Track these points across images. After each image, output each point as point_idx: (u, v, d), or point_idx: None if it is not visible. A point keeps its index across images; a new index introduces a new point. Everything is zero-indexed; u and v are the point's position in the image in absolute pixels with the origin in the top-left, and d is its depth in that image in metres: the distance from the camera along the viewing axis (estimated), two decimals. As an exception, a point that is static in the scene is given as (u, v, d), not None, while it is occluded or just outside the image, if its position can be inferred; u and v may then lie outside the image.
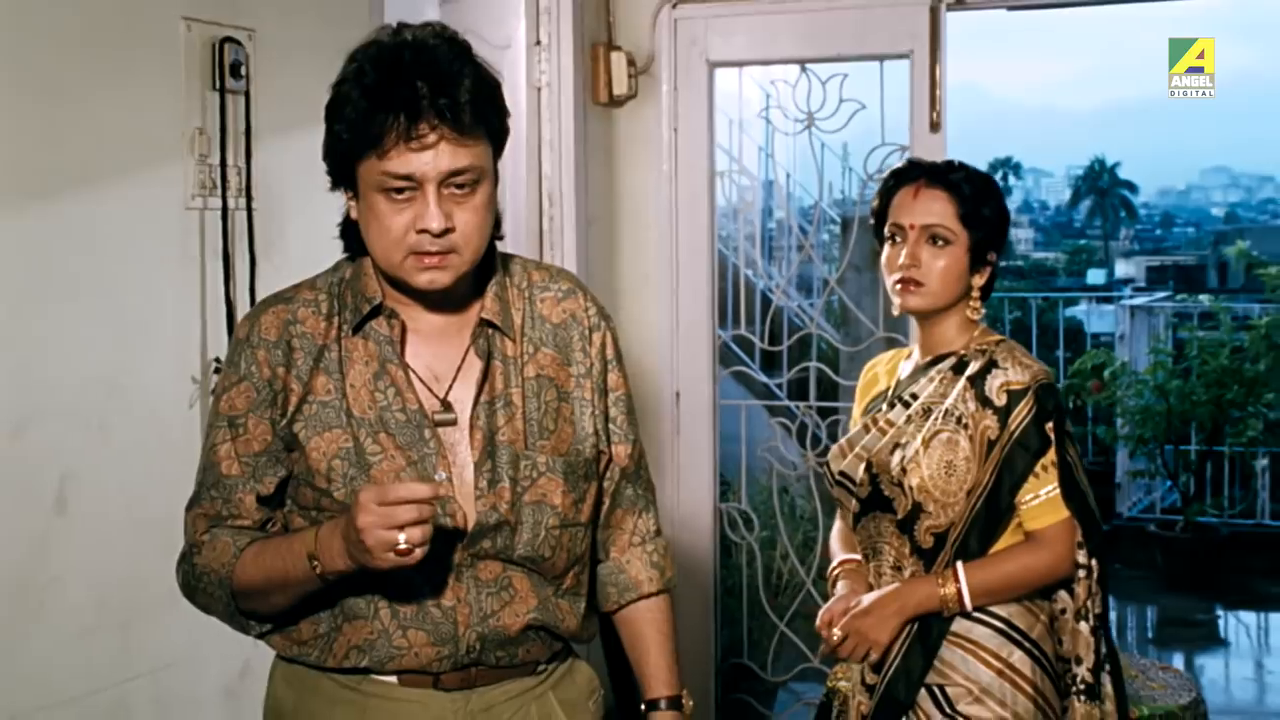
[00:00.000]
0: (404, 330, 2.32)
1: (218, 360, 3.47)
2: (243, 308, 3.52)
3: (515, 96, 5.05)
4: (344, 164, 2.22)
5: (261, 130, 3.58)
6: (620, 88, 5.22)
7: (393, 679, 2.31)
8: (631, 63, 5.27)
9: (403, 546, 2.02)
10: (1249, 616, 8.71)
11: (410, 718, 2.32)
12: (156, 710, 3.38)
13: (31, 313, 3.06)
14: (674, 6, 5.33)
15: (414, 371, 2.31)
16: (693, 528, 5.51)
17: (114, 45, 3.25)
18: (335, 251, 3.85)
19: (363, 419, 2.27)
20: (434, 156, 2.15)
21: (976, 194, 2.95)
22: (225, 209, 3.49)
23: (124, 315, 3.29)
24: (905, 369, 3.11)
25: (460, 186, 2.18)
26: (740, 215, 6.51)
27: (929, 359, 3.04)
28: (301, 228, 3.73)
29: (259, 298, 3.50)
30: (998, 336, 3.02)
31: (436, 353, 2.33)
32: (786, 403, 6.02)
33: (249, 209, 3.56)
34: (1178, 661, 7.53)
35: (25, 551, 3.07)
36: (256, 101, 3.56)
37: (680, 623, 5.48)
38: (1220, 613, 8.67)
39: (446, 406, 2.32)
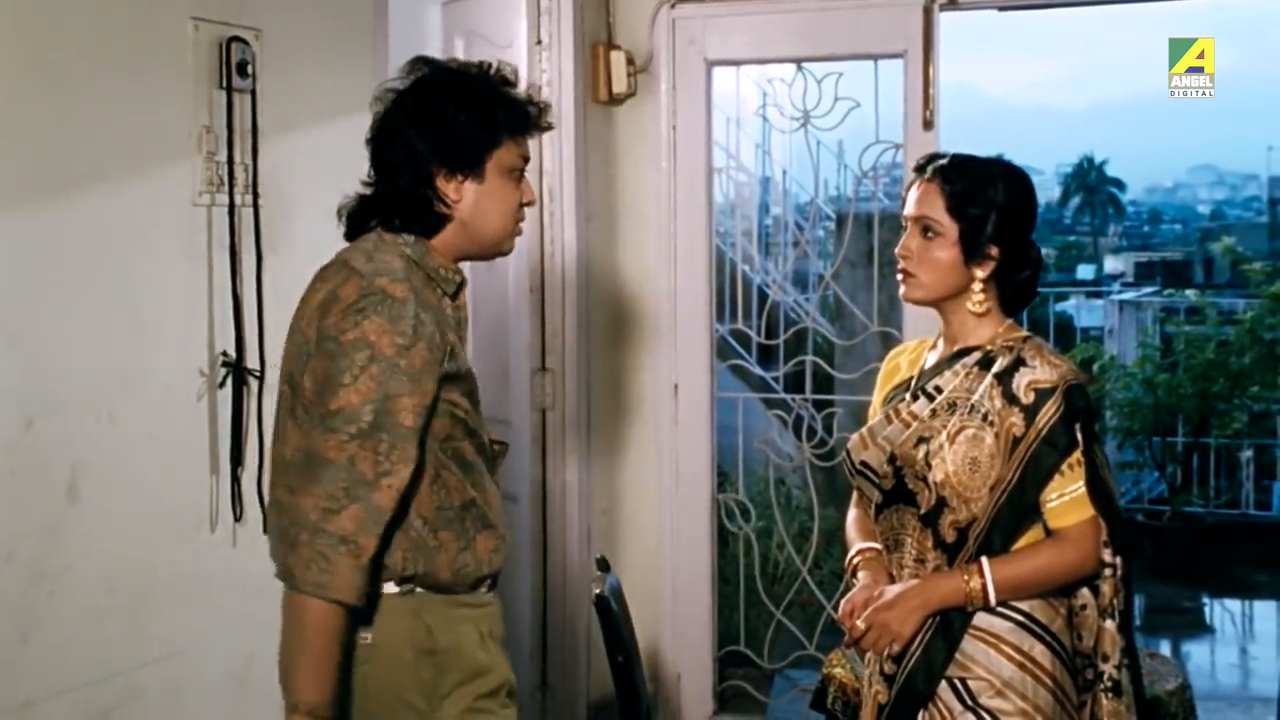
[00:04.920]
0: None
1: (225, 354, 3.53)
2: (249, 302, 3.57)
3: (516, 94, 5.08)
4: (481, 149, 2.71)
5: (267, 128, 3.61)
6: (620, 86, 5.25)
7: (484, 589, 2.78)
8: (631, 61, 5.30)
9: None
10: (1234, 604, 8.77)
11: (493, 618, 2.80)
12: (166, 695, 3.42)
13: (44, 307, 3.10)
14: (672, 6, 5.36)
15: None
16: (690, 518, 5.53)
17: (123, 45, 3.29)
18: (338, 243, 3.88)
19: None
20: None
21: (968, 186, 2.92)
22: (232, 205, 3.53)
23: (134, 309, 3.33)
24: (930, 359, 3.09)
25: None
26: (737, 211, 6.54)
27: (953, 351, 3.02)
28: (307, 223, 3.74)
29: (265, 292, 3.58)
30: (1024, 333, 3.00)
31: None
32: (783, 395, 6.04)
33: (255, 205, 3.59)
34: (1164, 648, 7.55)
35: (38, 540, 3.11)
36: (263, 100, 3.60)
37: (678, 610, 5.58)
38: (1206, 600, 8.71)
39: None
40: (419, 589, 2.67)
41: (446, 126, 2.69)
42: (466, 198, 2.72)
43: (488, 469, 2.80)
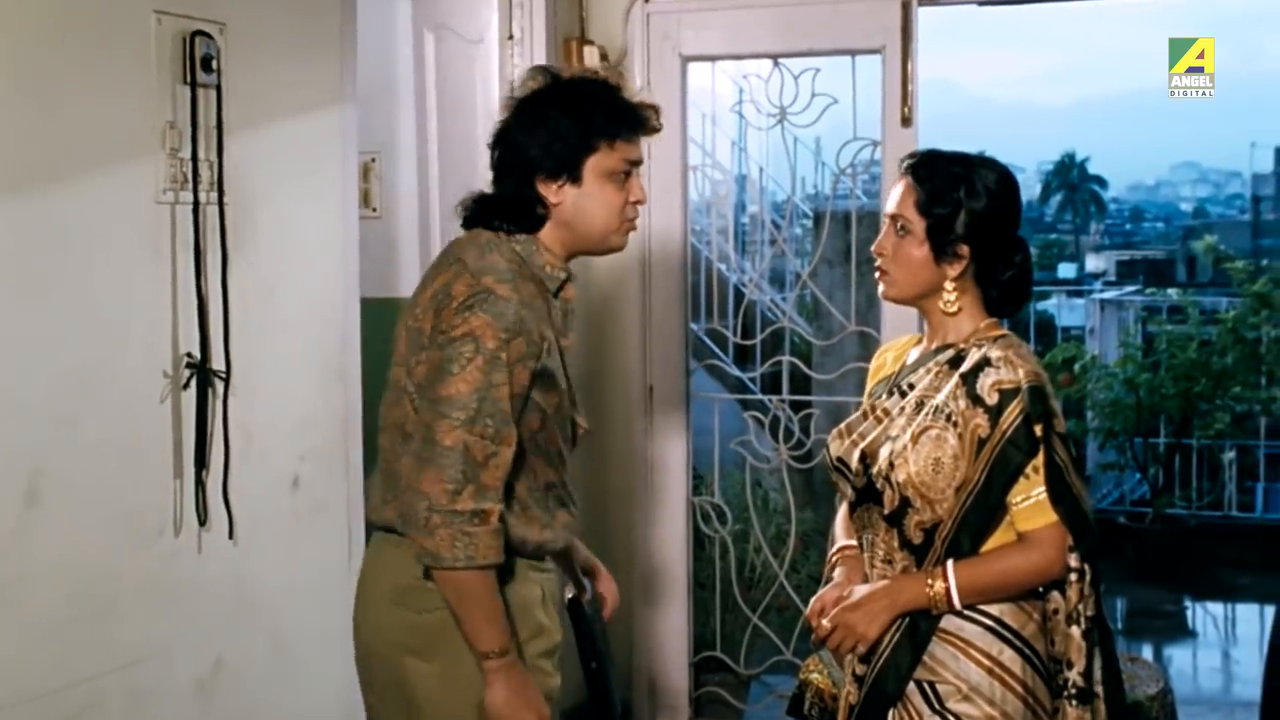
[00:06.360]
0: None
1: (189, 355, 3.47)
2: (215, 302, 3.51)
3: (488, 91, 5.04)
4: (577, 154, 2.94)
5: (233, 124, 3.55)
6: (593, 82, 5.22)
7: (547, 559, 3.11)
8: (604, 57, 5.28)
9: None
10: (1216, 607, 8.77)
11: (554, 583, 3.14)
12: (129, 704, 3.37)
13: (2, 307, 3.04)
14: (646, 1, 5.34)
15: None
16: (666, 521, 5.52)
17: (84, 39, 3.23)
18: (307, 244, 3.85)
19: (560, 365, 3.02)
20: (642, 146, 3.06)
21: (937, 185, 2.91)
22: (197, 203, 3.46)
23: (95, 310, 3.27)
24: (912, 356, 3.08)
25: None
26: (713, 209, 6.51)
27: (931, 349, 3.01)
28: (273, 221, 3.73)
29: (231, 292, 3.53)
30: (1000, 331, 2.98)
31: None
32: (759, 396, 6.03)
33: (220, 203, 3.53)
34: (1146, 652, 7.56)
35: (-4, 546, 3.04)
36: (227, 95, 3.53)
37: (653, 615, 5.55)
38: (1188, 604, 8.72)
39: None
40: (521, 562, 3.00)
41: (547, 133, 2.93)
42: (566, 200, 2.97)
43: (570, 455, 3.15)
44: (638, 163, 3.04)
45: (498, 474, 2.85)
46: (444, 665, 2.94)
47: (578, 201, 2.97)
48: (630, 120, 2.99)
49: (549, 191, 2.97)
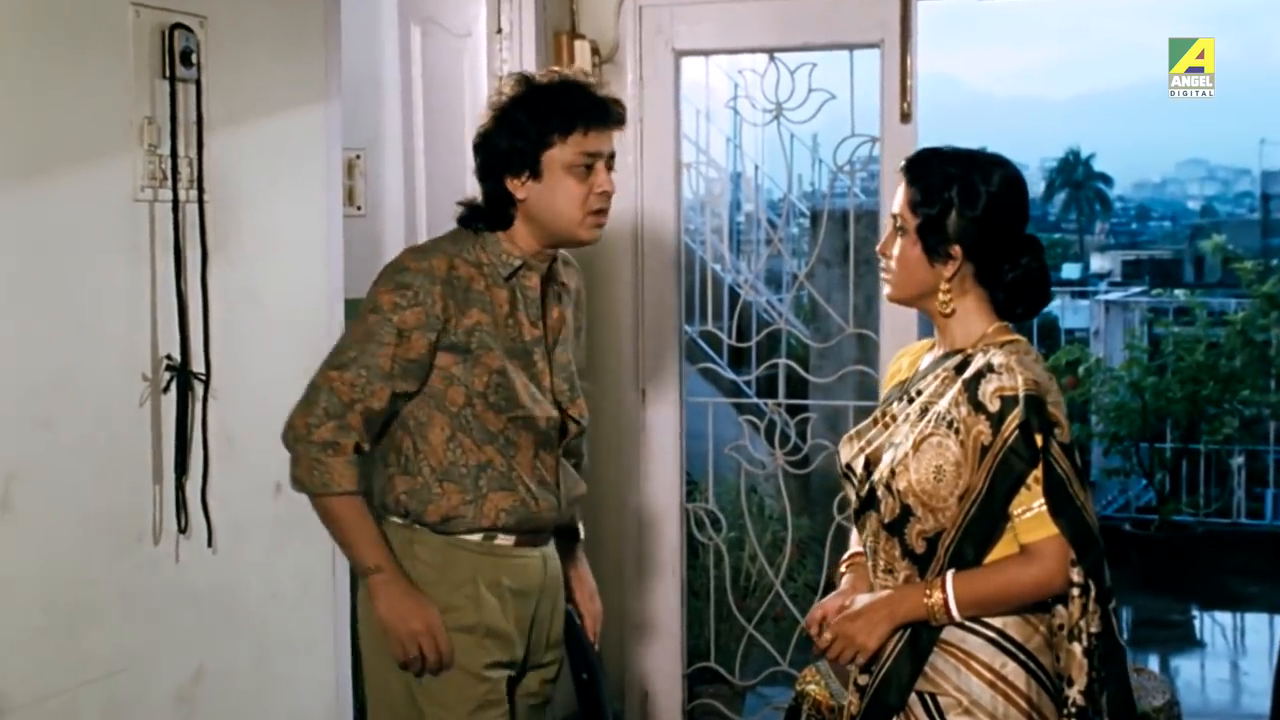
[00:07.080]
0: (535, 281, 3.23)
1: (169, 357, 3.43)
2: (195, 303, 3.47)
3: (476, 86, 5.00)
4: (535, 150, 3.09)
5: (213, 120, 3.51)
6: (584, 78, 5.20)
7: (510, 540, 3.19)
8: (595, 52, 5.25)
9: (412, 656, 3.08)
10: (1225, 617, 8.70)
11: (525, 569, 3.23)
12: (108, 716, 3.33)
13: (-27, 308, 3.00)
14: (639, -6, 5.32)
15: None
16: (659, 528, 5.49)
17: (60, 32, 3.19)
18: (289, 243, 3.81)
19: (507, 347, 3.16)
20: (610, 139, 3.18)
21: (927, 183, 2.88)
22: (176, 201, 3.42)
23: (72, 311, 3.24)
24: (925, 361, 3.04)
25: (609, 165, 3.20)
26: (707, 208, 6.50)
27: (941, 354, 2.98)
28: (254, 220, 3.69)
29: (211, 292, 3.50)
30: (1010, 336, 2.92)
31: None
32: (755, 400, 5.97)
33: (200, 201, 3.49)
34: (1153, 663, 7.49)
35: (-31, 555, 3.00)
36: (208, 90, 3.49)
37: (646, 625, 5.50)
38: (1196, 613, 8.67)
39: (546, 338, 3.24)
40: (416, 524, 3.15)
41: (509, 132, 3.10)
42: (530, 195, 3.12)
43: (544, 443, 3.21)
44: (600, 155, 3.15)
45: (359, 421, 3.06)
46: (371, 626, 3.18)
47: (541, 195, 3.11)
48: (586, 113, 3.11)
49: (515, 188, 3.12)
